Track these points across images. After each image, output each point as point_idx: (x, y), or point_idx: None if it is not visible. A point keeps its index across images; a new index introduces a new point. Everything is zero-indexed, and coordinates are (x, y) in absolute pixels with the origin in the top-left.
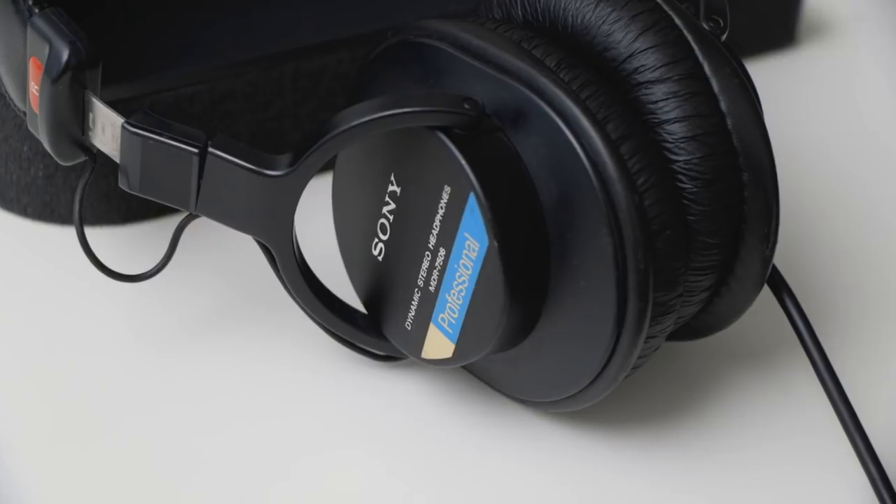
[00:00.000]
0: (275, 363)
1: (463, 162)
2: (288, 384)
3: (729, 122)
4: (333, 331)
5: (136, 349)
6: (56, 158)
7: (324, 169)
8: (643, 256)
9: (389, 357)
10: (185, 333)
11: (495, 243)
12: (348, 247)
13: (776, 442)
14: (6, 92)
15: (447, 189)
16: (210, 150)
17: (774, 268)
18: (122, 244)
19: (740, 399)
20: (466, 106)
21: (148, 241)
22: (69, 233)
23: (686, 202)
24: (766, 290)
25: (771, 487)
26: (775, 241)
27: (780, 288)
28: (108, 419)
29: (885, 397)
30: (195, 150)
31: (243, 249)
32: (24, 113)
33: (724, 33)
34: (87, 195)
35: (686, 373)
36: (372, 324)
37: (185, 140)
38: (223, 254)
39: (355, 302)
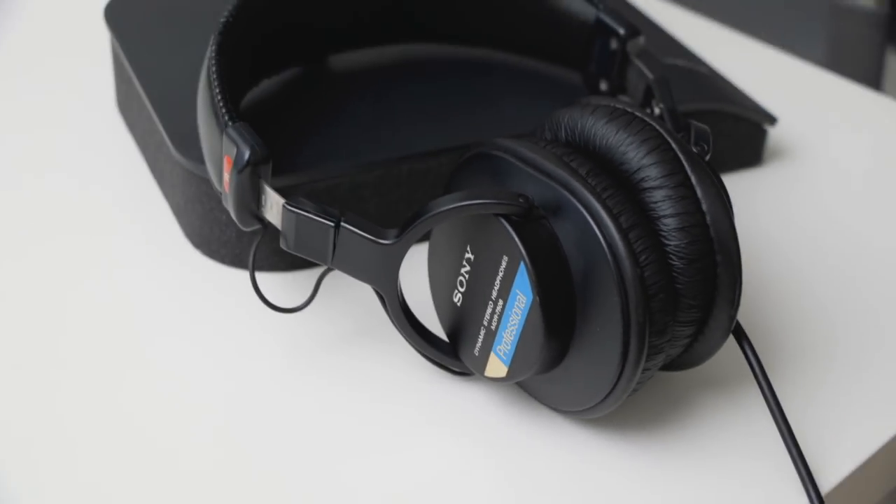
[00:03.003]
0: (382, 376)
1: (517, 240)
2: (391, 390)
3: (708, 218)
4: (424, 353)
5: (285, 363)
6: (239, 225)
7: (422, 239)
8: (642, 312)
9: (462, 373)
10: (321, 352)
11: (538, 298)
12: (437, 294)
13: (731, 450)
14: (211, 178)
15: (505, 258)
16: (342, 224)
17: (738, 322)
18: (287, 285)
19: (707, 416)
20: (521, 200)
21: (304, 283)
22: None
23: (675, 275)
24: (731, 338)
25: (724, 485)
26: (738, 304)
27: (741, 337)
28: (261, 411)
29: (818, 420)
30: (332, 224)
31: (363, 294)
32: (221, 193)
33: (707, 154)
34: (262, 250)
35: (672, 395)
36: (451, 349)
37: (325, 217)
38: (350, 296)
39: (441, 333)
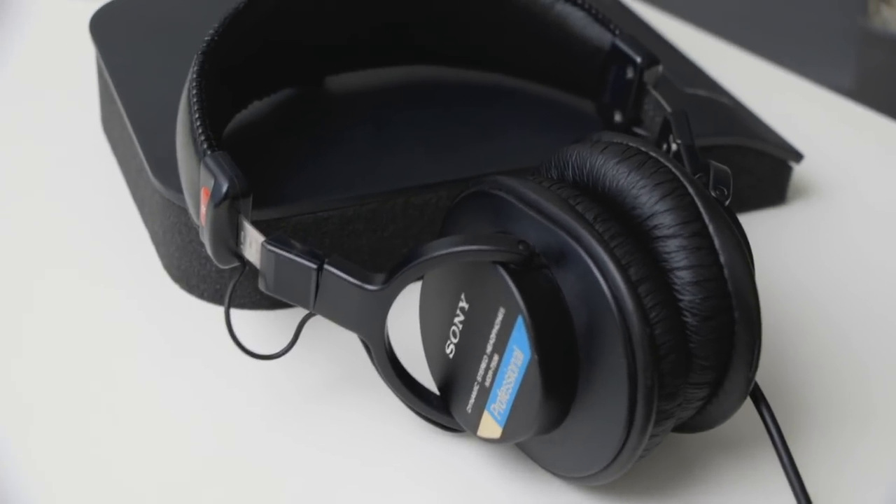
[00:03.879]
0: (367, 428)
1: (515, 291)
2: (377, 444)
3: (726, 271)
4: (412, 407)
5: (263, 412)
6: (215, 262)
7: (415, 280)
8: (651, 375)
9: (453, 429)
10: (300, 400)
11: (536, 357)
12: (428, 344)
13: None
14: (189, 209)
15: (502, 310)
16: (325, 266)
17: (755, 384)
18: (270, 326)
19: (722, 482)
20: (521, 247)
21: (289, 323)
22: (232, 314)
23: (688, 333)
24: (748, 400)
25: None
26: (756, 366)
27: (759, 401)
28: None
29: (836, 487)
30: (314, 266)
31: (347, 341)
32: (199, 226)
33: (727, 200)
34: (245, 287)
35: (682, 459)
36: (442, 404)
37: (307, 258)
38: (332, 343)
39: (431, 385)
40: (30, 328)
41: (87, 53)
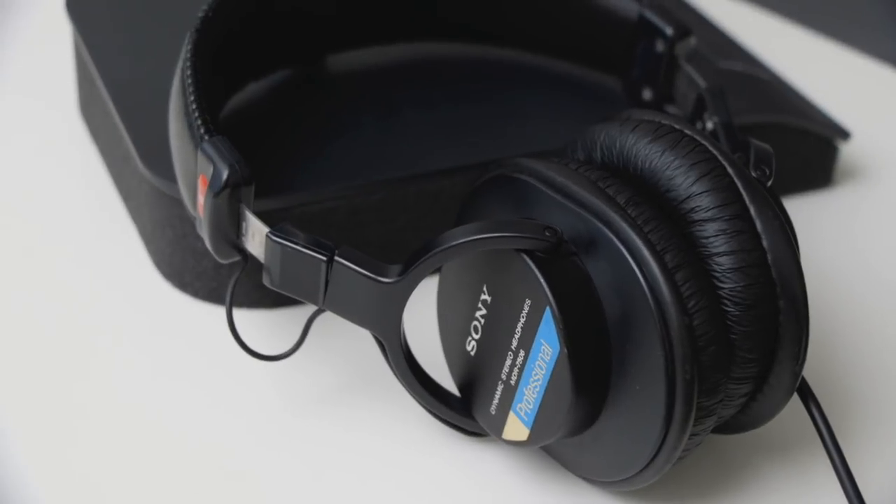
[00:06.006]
0: (383, 434)
1: (542, 281)
2: (393, 451)
3: (769, 256)
4: (431, 409)
5: (269, 417)
6: (215, 256)
7: (432, 273)
8: (690, 369)
9: (476, 433)
10: (310, 404)
11: (565, 350)
12: (447, 341)
13: None
14: (184, 199)
15: (528, 302)
16: (336, 258)
17: (803, 379)
18: (272, 325)
19: (768, 487)
20: (547, 233)
21: (293, 322)
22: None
23: (729, 323)
24: (795, 396)
25: None
26: (804, 359)
27: (807, 397)
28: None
29: (893, 489)
30: (324, 258)
31: (360, 339)
32: (195, 217)
33: (769, 180)
34: (244, 284)
35: (724, 461)
36: (463, 406)
37: (316, 249)
38: (343, 342)
39: (451, 386)
40: (4, 334)
41: (61, 32)
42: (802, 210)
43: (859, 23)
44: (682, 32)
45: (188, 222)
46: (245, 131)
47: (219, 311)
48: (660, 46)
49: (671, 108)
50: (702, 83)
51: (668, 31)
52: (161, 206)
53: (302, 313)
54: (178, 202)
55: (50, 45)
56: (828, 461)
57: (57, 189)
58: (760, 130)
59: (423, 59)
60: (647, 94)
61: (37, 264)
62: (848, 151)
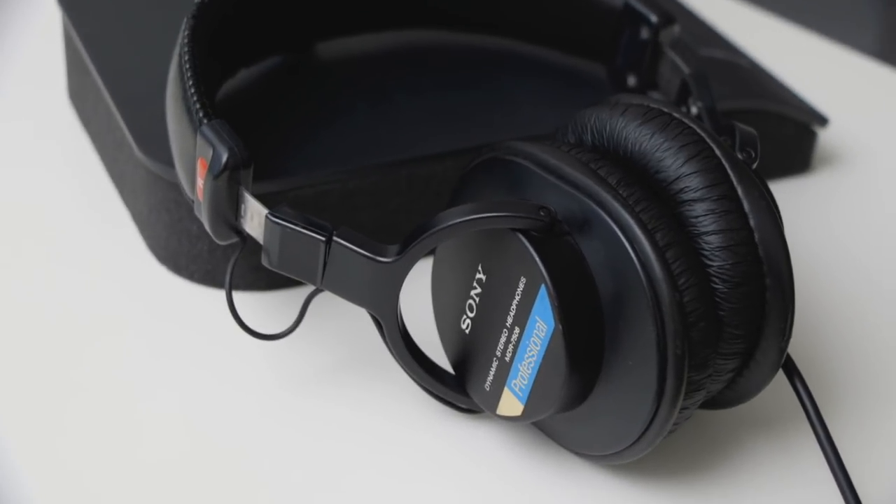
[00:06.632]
0: (379, 411)
1: (537, 259)
2: (389, 428)
3: (756, 235)
4: (426, 387)
5: (267, 397)
6: (214, 238)
7: (426, 254)
8: (681, 344)
9: (470, 410)
10: (308, 383)
11: (560, 326)
12: (442, 319)
13: (780, 500)
14: (181, 183)
15: (523, 280)
16: (334, 238)
17: (788, 355)
18: (267, 307)
19: (753, 461)
20: (542, 213)
21: (287, 305)
22: (224, 296)
23: (718, 300)
24: (780, 372)
25: None
26: (790, 335)
27: (792, 372)
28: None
29: (877, 465)
30: (322, 239)
31: (357, 318)
32: (193, 201)
33: (755, 162)
34: (239, 267)
35: (711, 436)
36: (458, 383)
37: (315, 230)
38: (341, 321)
39: (445, 363)
40: (9, 324)
41: (51, 19)
42: (782, 195)
43: (838, 16)
44: (667, 20)
45: (184, 206)
46: (238, 116)
47: (214, 294)
48: (644, 34)
49: (655, 94)
50: (686, 69)
51: (653, 18)
52: (157, 191)
53: (295, 296)
54: (173, 186)
55: (38, 33)
56: (811, 436)
57: (49, 176)
58: (740, 116)
59: (414, 46)
60: (631, 81)
61: (30, 251)
62: (826, 139)
